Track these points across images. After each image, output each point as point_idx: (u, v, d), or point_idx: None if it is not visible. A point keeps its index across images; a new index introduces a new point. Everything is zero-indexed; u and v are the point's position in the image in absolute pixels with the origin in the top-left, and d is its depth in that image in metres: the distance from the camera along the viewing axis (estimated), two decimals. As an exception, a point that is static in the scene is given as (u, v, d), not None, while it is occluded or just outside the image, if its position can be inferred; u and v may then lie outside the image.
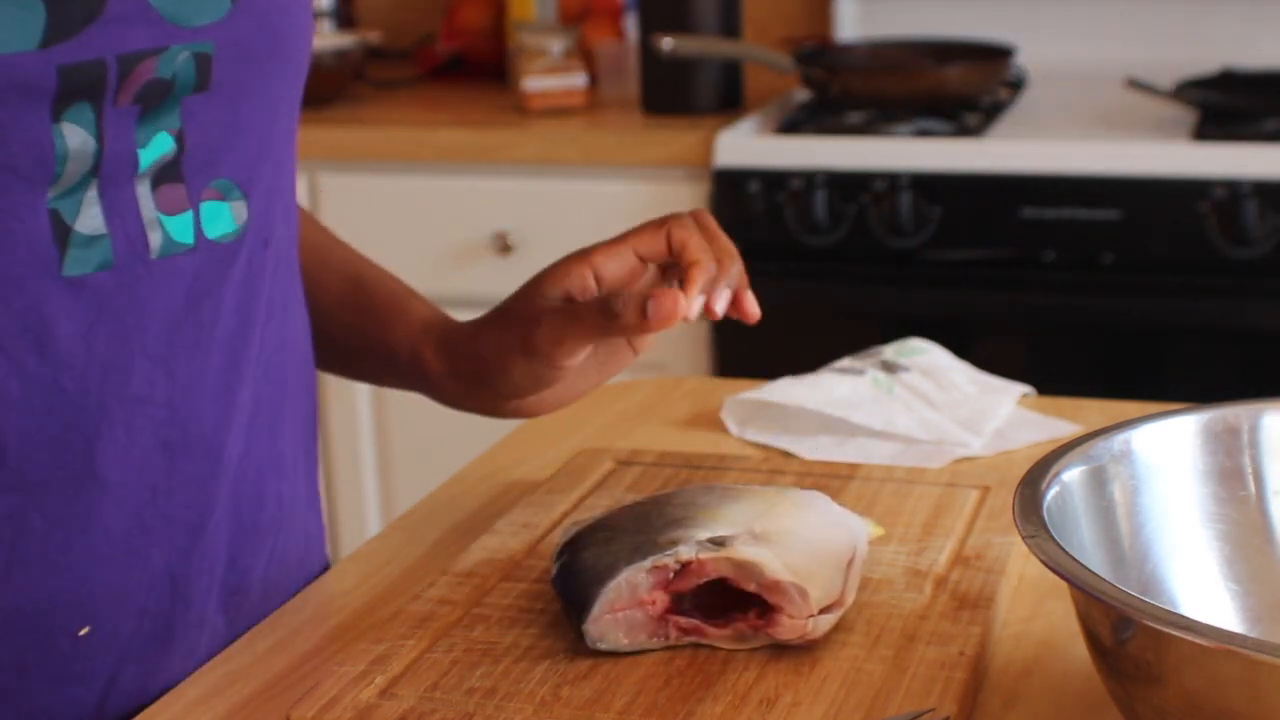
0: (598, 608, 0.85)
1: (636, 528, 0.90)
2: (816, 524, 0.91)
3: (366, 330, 1.08)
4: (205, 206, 0.89)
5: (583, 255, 0.99)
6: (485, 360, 1.01)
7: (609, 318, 0.93)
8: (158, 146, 0.86)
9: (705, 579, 0.86)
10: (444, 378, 1.05)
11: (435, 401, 1.08)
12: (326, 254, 1.11)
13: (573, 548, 0.91)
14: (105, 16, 0.81)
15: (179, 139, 0.87)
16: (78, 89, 0.81)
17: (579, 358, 0.98)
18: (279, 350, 0.98)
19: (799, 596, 0.85)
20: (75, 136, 0.82)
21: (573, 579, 0.88)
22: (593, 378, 1.04)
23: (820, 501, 0.94)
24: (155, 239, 0.87)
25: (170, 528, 0.90)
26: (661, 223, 0.99)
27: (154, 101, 0.85)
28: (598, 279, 0.98)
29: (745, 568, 0.86)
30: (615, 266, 0.98)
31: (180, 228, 0.88)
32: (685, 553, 0.86)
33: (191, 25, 0.85)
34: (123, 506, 0.88)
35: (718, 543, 0.87)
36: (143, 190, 0.86)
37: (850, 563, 0.89)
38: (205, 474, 0.91)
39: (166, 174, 0.87)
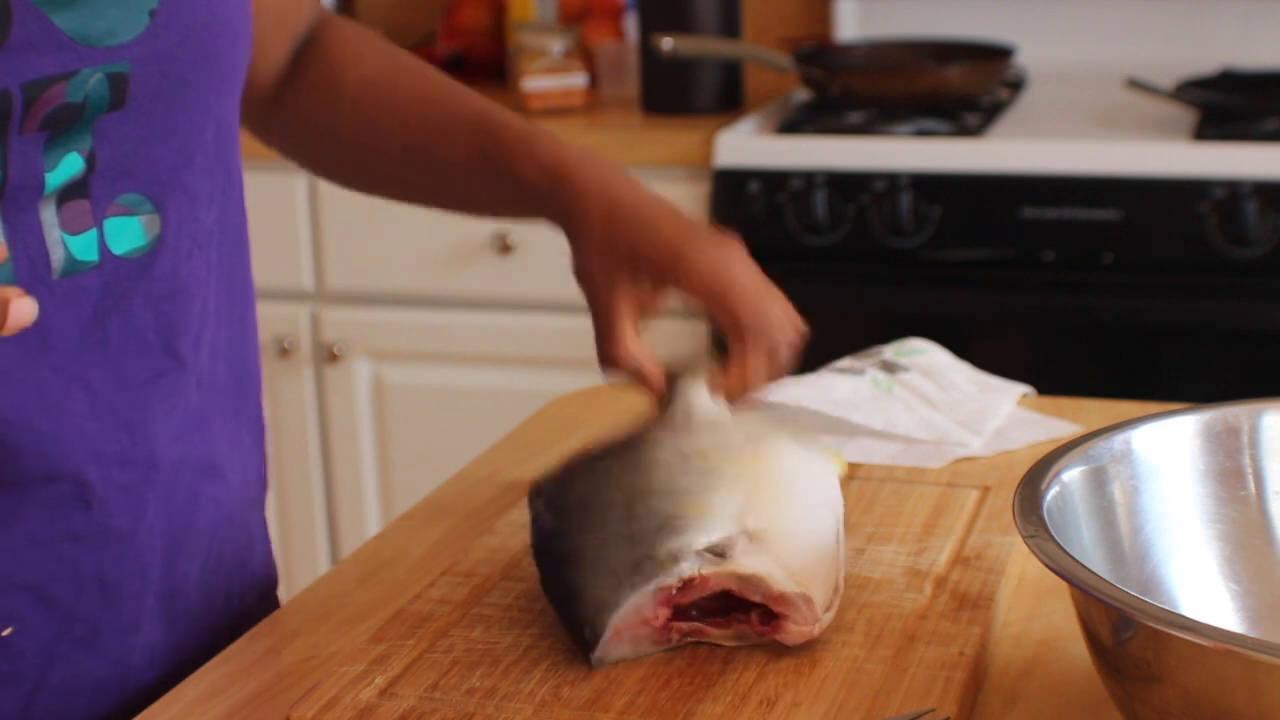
0: (606, 636, 0.85)
1: (627, 529, 0.88)
2: (803, 507, 0.90)
3: (497, 179, 1.08)
4: (110, 223, 0.88)
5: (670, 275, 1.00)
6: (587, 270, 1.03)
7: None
8: (67, 168, 0.85)
9: (709, 593, 0.86)
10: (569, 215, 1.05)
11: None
12: (452, 122, 1.10)
13: (558, 543, 0.89)
14: (10, 45, 0.80)
15: (89, 158, 0.85)
16: None
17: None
18: (213, 356, 0.97)
19: (804, 605, 0.85)
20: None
21: (571, 600, 0.87)
22: None
23: (797, 465, 0.93)
24: (57, 258, 0.85)
25: (102, 535, 0.90)
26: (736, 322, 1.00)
27: (64, 125, 0.83)
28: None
29: (749, 581, 0.85)
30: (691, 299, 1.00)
31: (83, 246, 0.86)
32: (688, 569, 0.85)
33: (105, 45, 0.84)
34: (52, 514, 0.87)
35: (718, 553, 0.85)
36: (47, 212, 0.85)
37: (837, 539, 0.89)
38: (139, 481, 0.91)
39: (73, 192, 0.86)
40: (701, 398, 0.97)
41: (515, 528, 1.02)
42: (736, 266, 0.99)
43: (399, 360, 2.47)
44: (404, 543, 1.07)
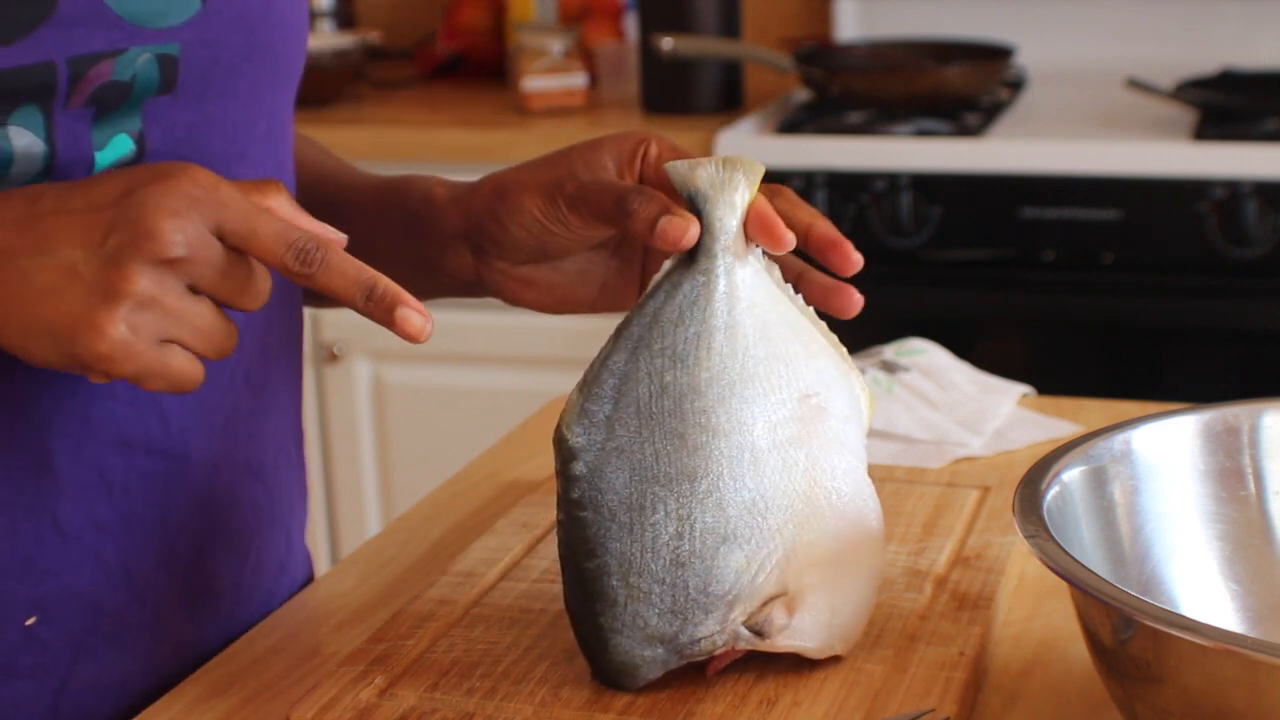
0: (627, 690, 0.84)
1: (670, 576, 0.81)
2: (852, 530, 0.84)
3: (413, 217, 1.00)
4: None
5: (641, 135, 0.93)
6: (505, 189, 0.93)
7: (622, 211, 0.86)
8: (116, 149, 0.84)
9: (739, 656, 0.84)
10: (448, 205, 0.97)
11: (422, 251, 0.99)
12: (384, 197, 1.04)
13: (592, 564, 0.82)
14: (56, 18, 0.80)
15: (139, 141, 0.85)
16: (23, 92, 0.79)
17: (590, 234, 0.92)
18: (261, 355, 0.96)
19: (831, 661, 0.84)
20: (23, 139, 0.80)
21: (599, 646, 0.83)
22: (586, 293, 0.96)
23: (845, 490, 0.84)
24: None
25: (127, 525, 0.89)
26: None
27: (111, 104, 0.83)
28: (646, 160, 0.92)
29: (784, 654, 0.84)
30: (660, 165, 0.91)
31: None
32: (724, 645, 0.83)
33: (155, 26, 0.83)
34: (76, 499, 0.87)
35: (756, 631, 0.83)
36: None
37: (877, 573, 0.86)
38: (167, 473, 0.90)
39: None
40: (733, 254, 0.84)
41: (515, 527, 1.02)
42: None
43: (399, 360, 2.48)
44: (404, 543, 1.07)
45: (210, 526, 0.94)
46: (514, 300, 0.98)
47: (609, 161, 0.92)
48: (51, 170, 0.82)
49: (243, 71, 0.89)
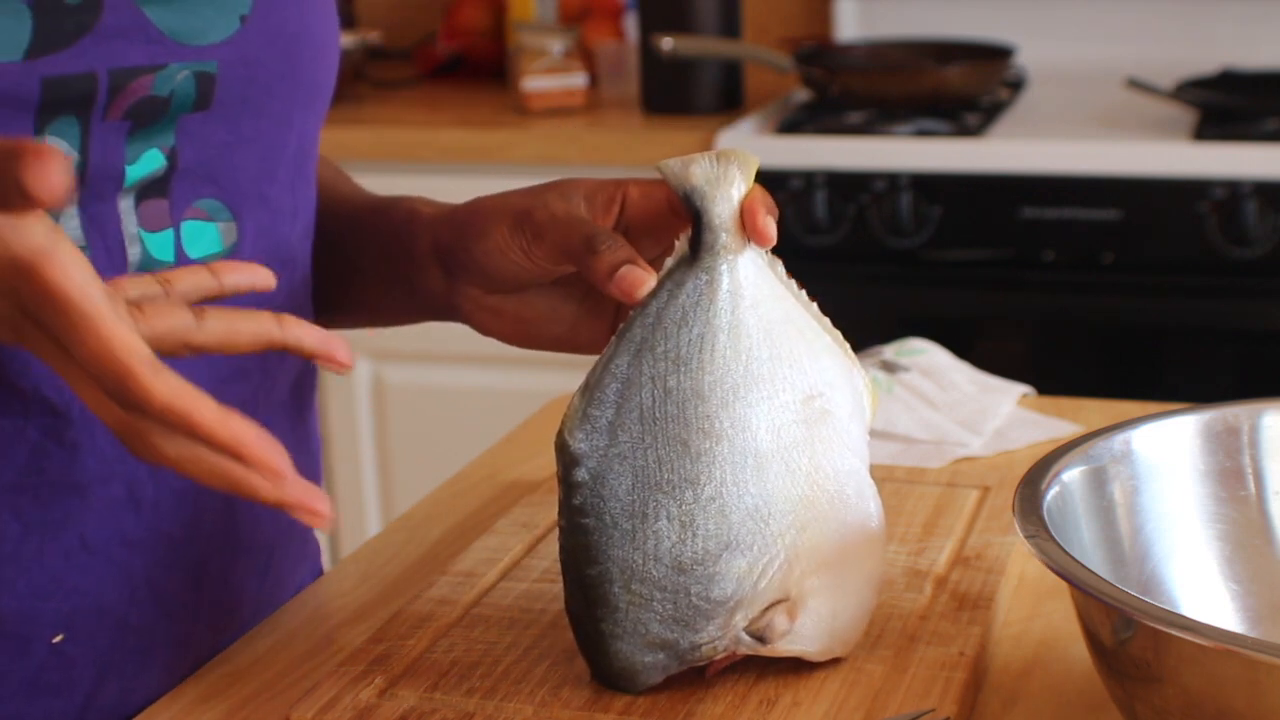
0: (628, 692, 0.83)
1: (672, 582, 0.81)
2: (854, 533, 0.83)
3: (395, 234, 0.99)
4: (187, 225, 0.87)
5: (620, 180, 0.91)
6: (478, 213, 0.92)
7: (588, 250, 0.84)
8: (147, 163, 0.85)
9: (739, 659, 0.84)
10: (426, 225, 0.96)
11: (404, 266, 0.98)
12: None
13: (594, 571, 0.82)
14: (99, 30, 0.80)
15: (171, 157, 0.85)
16: (63, 101, 0.80)
17: (552, 267, 0.90)
18: (282, 374, 0.96)
19: (830, 663, 0.84)
20: (59, 149, 0.80)
21: (600, 652, 0.83)
22: (555, 331, 0.94)
23: (850, 497, 0.84)
24: (134, 254, 0.85)
25: (154, 540, 0.89)
26: None
27: (147, 118, 0.83)
28: (624, 206, 0.90)
29: (787, 658, 0.84)
30: (644, 203, 0.90)
31: (160, 245, 0.86)
32: (724, 650, 0.82)
33: (195, 44, 0.84)
34: (104, 516, 0.87)
35: (758, 637, 0.82)
36: (125, 205, 0.84)
37: (878, 579, 0.86)
38: (194, 489, 0.90)
39: (152, 190, 0.85)
40: (734, 250, 0.83)
41: (515, 527, 1.02)
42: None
43: (399, 360, 2.48)
44: (404, 543, 1.07)
45: (234, 540, 0.94)
46: (482, 329, 0.96)
47: (582, 202, 0.90)
48: (83, 180, 0.82)
49: (277, 91, 0.90)
